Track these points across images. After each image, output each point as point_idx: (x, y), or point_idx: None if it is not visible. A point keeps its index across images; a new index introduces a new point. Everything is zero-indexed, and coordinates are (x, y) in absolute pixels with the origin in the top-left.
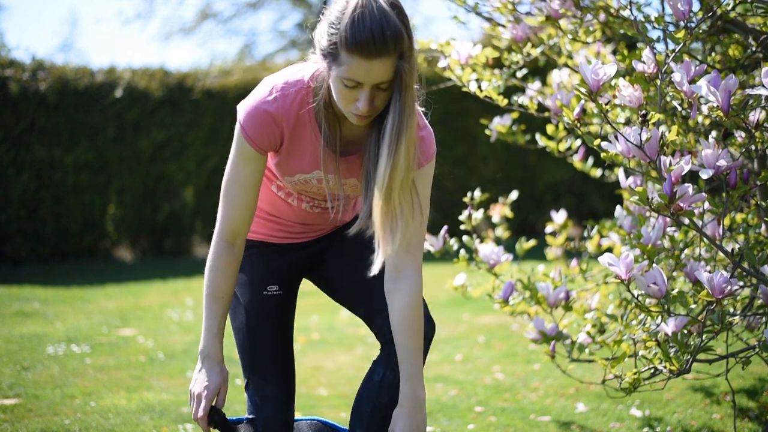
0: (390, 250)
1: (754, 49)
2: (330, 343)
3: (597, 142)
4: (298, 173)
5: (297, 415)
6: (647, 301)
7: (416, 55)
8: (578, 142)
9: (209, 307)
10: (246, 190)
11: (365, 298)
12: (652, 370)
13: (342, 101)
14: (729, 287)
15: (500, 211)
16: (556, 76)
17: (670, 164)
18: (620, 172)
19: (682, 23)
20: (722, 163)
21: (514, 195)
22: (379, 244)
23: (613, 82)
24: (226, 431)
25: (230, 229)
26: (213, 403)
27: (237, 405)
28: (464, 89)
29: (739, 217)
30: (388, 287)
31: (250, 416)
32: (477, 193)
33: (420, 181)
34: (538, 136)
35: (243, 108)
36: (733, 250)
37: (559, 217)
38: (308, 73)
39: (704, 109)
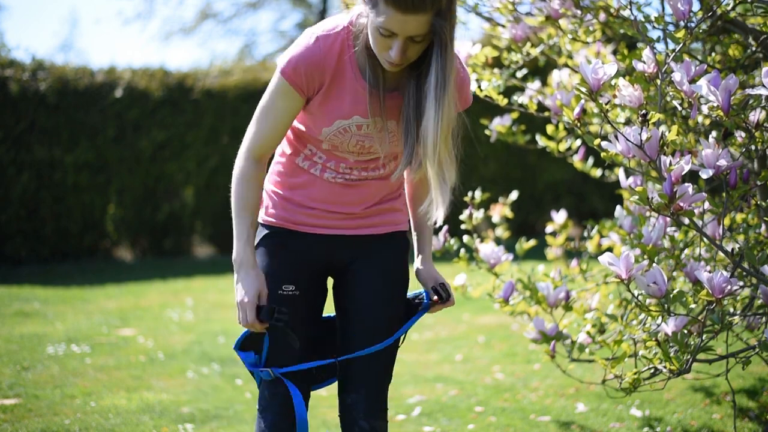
0: (447, 200)
1: (754, 49)
2: None
3: (597, 142)
4: (338, 119)
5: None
6: (647, 301)
7: (456, 11)
8: (578, 142)
9: (238, 216)
10: (278, 118)
11: (357, 365)
12: (652, 370)
13: (376, 47)
14: (729, 287)
15: (500, 211)
16: (556, 76)
17: (670, 164)
18: (620, 172)
19: (682, 23)
20: (722, 163)
21: (514, 195)
22: (437, 198)
23: (613, 82)
24: (281, 323)
25: (258, 148)
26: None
27: (237, 405)
28: None
29: (739, 217)
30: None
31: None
32: (477, 193)
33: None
34: (538, 136)
35: (284, 55)
36: (733, 250)
37: (560, 217)
38: (346, 20)
39: (704, 108)
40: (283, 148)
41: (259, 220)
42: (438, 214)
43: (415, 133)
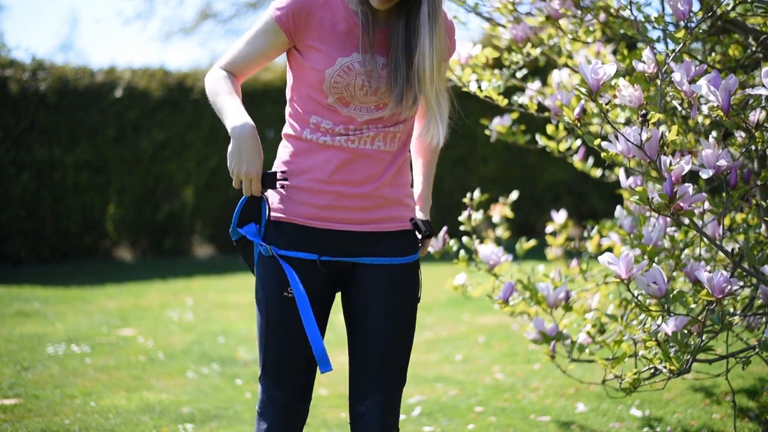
0: (446, 124)
1: (754, 49)
2: (330, 343)
3: (597, 142)
4: (339, 56)
5: None
6: (647, 301)
7: None
8: (578, 142)
9: (221, 96)
10: (257, 50)
11: (370, 373)
12: (652, 370)
13: None
14: (729, 287)
15: (500, 211)
16: (556, 76)
17: (670, 164)
18: (620, 172)
19: (682, 23)
20: (722, 163)
21: (514, 195)
22: (435, 125)
23: (613, 82)
24: (285, 187)
25: (230, 65)
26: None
27: (237, 405)
28: (464, 89)
29: (739, 217)
30: (426, 145)
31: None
32: (477, 194)
33: (445, 69)
34: (538, 136)
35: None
36: (733, 250)
37: (560, 217)
38: None
39: (704, 109)
40: (288, 131)
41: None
42: (440, 137)
43: (405, 73)
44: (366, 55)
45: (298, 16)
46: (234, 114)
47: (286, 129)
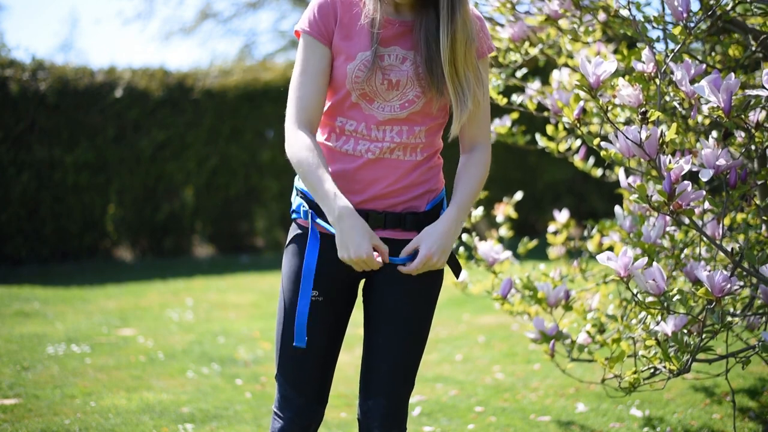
0: (463, 117)
1: (754, 49)
2: None
3: (597, 141)
4: (359, 51)
5: None
6: (646, 299)
7: None
8: (578, 142)
9: (315, 175)
10: (316, 78)
11: (376, 374)
12: (652, 370)
13: None
14: (729, 286)
15: (504, 210)
16: (556, 75)
17: (670, 162)
18: (620, 172)
19: (680, 23)
20: (722, 162)
21: (518, 195)
22: (456, 112)
23: (612, 82)
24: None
25: (306, 117)
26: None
27: (237, 405)
28: None
29: (739, 217)
30: (462, 162)
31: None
32: None
33: (484, 70)
34: (538, 137)
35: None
36: (733, 249)
37: (562, 216)
38: None
39: (704, 109)
40: (317, 137)
41: (293, 216)
42: (456, 127)
43: (438, 60)
44: (381, 48)
45: (326, 16)
46: (331, 201)
47: (317, 135)
